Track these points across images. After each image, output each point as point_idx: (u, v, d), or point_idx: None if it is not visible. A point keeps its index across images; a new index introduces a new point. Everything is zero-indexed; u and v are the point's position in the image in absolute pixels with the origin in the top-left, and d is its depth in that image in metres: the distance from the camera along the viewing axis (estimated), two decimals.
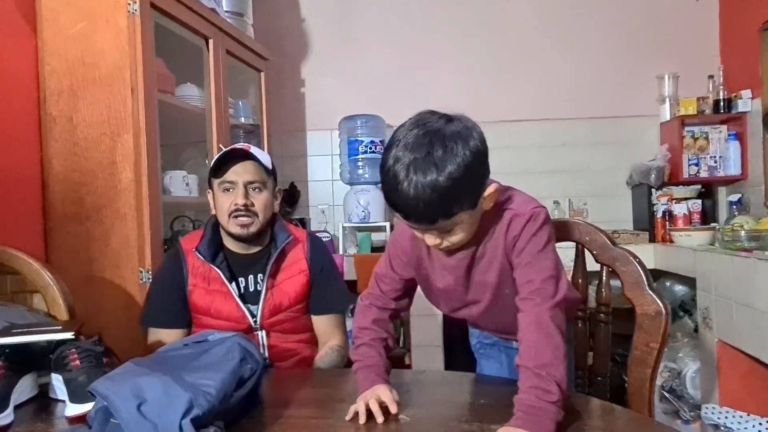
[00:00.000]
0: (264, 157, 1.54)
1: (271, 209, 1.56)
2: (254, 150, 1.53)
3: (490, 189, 1.01)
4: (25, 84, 1.90)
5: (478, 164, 0.97)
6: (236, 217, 1.49)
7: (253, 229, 1.51)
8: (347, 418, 0.99)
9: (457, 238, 1.03)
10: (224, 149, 1.54)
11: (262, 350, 1.54)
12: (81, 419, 1.01)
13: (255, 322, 1.53)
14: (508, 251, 1.07)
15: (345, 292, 1.67)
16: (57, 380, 1.15)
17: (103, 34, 1.88)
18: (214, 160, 1.53)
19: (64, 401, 1.11)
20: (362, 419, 0.97)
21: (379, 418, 0.97)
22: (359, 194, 3.09)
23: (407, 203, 0.95)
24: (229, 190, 1.51)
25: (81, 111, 1.90)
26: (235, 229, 1.51)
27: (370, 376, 1.07)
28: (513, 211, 1.07)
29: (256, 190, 1.52)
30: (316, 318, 1.61)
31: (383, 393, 1.01)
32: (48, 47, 1.92)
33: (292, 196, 3.29)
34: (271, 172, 1.57)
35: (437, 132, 0.95)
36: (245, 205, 1.49)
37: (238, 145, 1.54)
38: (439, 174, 0.92)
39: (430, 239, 1.03)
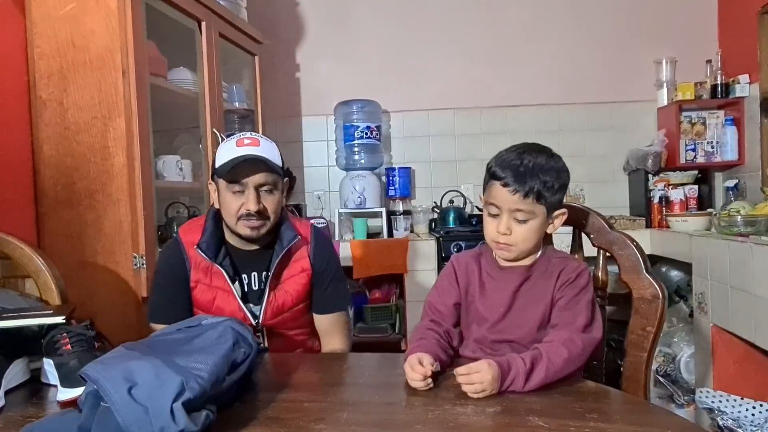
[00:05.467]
0: (275, 156, 1.43)
1: (280, 208, 1.48)
2: (265, 151, 1.41)
3: (561, 211, 1.20)
4: (13, 66, 1.87)
5: (566, 182, 1.19)
6: (247, 219, 1.41)
7: (263, 230, 1.44)
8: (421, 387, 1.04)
9: (523, 234, 1.16)
10: (235, 155, 1.39)
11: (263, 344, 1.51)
12: (72, 403, 1.00)
13: (257, 323, 1.48)
14: (555, 291, 1.18)
15: (347, 291, 1.62)
16: (48, 365, 1.14)
17: (93, 15, 1.85)
18: (224, 162, 1.39)
19: (55, 386, 1.10)
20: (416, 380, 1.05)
21: (420, 382, 1.03)
22: (355, 180, 3.07)
23: (518, 170, 1.14)
24: (239, 192, 1.41)
25: (71, 94, 1.87)
26: (245, 231, 1.43)
27: (419, 348, 1.12)
28: (566, 261, 1.22)
29: (267, 191, 1.43)
30: (318, 317, 1.57)
31: (423, 357, 1.06)
32: (37, 29, 1.89)
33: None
34: (281, 168, 1.46)
35: (544, 147, 1.21)
36: (258, 211, 1.41)
37: (247, 138, 1.42)
38: (548, 162, 1.16)
39: (504, 224, 1.16)
